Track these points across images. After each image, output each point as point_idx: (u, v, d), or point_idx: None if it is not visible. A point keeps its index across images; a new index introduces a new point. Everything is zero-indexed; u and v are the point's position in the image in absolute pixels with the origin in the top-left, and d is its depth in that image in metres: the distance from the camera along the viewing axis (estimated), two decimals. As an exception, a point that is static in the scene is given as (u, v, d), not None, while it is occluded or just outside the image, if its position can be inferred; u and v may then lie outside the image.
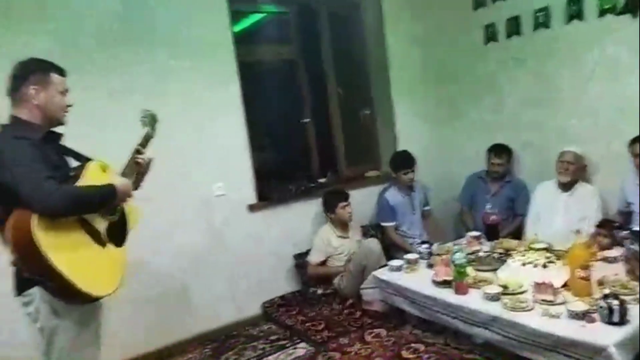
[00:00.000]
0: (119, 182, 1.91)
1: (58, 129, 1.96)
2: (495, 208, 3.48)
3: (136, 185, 2.16)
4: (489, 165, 3.83)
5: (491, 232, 3.38)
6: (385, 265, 3.15)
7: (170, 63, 3.12)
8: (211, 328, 3.30)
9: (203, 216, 3.27)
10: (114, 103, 2.92)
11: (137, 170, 2.11)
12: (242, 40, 3.53)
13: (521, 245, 3.08)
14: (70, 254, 1.71)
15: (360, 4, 4.15)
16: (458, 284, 2.60)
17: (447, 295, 2.62)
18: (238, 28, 3.75)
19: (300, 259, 3.56)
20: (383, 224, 3.76)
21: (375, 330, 2.99)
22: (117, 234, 1.97)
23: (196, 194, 3.23)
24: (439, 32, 4.22)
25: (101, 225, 1.89)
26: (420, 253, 3.15)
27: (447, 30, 4.19)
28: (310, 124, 3.98)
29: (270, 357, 2.91)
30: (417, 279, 2.90)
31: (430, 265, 3.01)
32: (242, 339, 3.20)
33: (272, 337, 3.16)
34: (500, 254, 3.04)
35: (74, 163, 2.01)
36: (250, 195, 3.43)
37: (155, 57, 3.07)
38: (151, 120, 2.26)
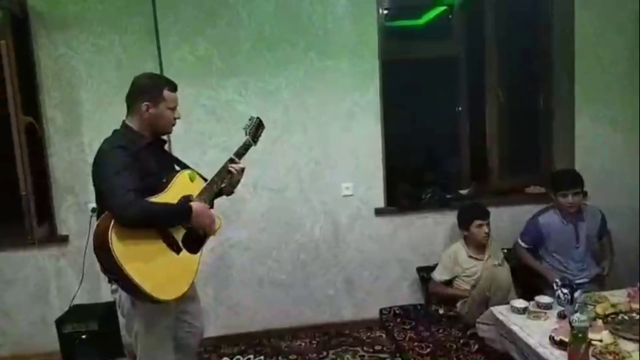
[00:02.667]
0: (197, 206, 2.01)
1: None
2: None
3: (229, 191, 2.30)
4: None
5: (671, 290, 2.57)
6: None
7: (317, 63, 3.20)
8: (327, 321, 3.40)
9: (329, 214, 3.33)
10: (264, 102, 3.16)
11: (228, 178, 2.22)
12: (394, 38, 3.40)
13: None
14: (142, 260, 1.86)
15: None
16: (573, 350, 2.08)
17: (559, 360, 2.13)
18: (396, 24, 3.64)
19: (424, 272, 3.33)
20: (519, 239, 3.20)
21: (483, 372, 2.65)
22: (195, 242, 2.09)
23: (325, 192, 3.31)
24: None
25: (178, 232, 2.02)
26: (558, 298, 2.62)
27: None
28: (459, 124, 3.60)
29: (363, 368, 2.87)
30: (539, 329, 2.41)
31: (563, 316, 2.48)
32: (350, 340, 3.22)
33: (377, 347, 3.10)
34: (667, 323, 2.31)
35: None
36: (378, 198, 3.35)
37: (305, 57, 3.19)
38: (254, 129, 2.34)
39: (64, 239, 3.16)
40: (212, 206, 2.27)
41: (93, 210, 3.11)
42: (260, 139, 2.38)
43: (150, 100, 2.03)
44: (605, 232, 3.22)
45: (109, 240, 1.77)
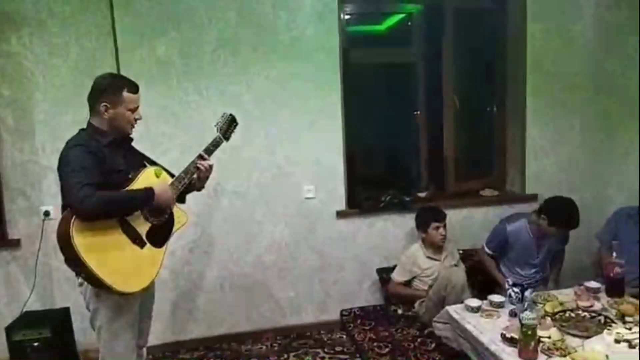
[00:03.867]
0: (158, 188, 2.05)
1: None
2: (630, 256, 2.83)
3: (199, 187, 2.33)
4: (640, 202, 3.10)
5: (613, 287, 2.72)
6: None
7: (280, 67, 3.20)
8: (288, 324, 3.42)
9: (291, 217, 3.35)
10: (226, 105, 3.04)
11: (197, 174, 2.24)
12: (356, 43, 3.48)
13: (643, 313, 2.42)
14: (103, 252, 1.90)
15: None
16: (523, 346, 2.18)
17: (510, 357, 2.22)
18: (357, 29, 3.71)
19: (384, 274, 3.40)
20: (485, 245, 3.26)
21: (439, 370, 2.73)
22: (160, 235, 2.12)
23: (287, 195, 3.32)
24: (603, 34, 3.54)
25: (142, 227, 2.05)
26: (509, 297, 2.72)
27: (615, 33, 3.49)
28: (418, 129, 3.71)
29: (323, 369, 2.90)
30: (491, 327, 2.51)
31: (514, 314, 2.58)
32: (311, 342, 3.25)
33: (337, 349, 3.14)
34: (609, 318, 2.44)
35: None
36: (339, 201, 3.39)
37: (267, 61, 3.18)
38: (226, 125, 2.36)
39: (15, 243, 3.05)
40: (183, 201, 2.33)
41: (46, 213, 3.03)
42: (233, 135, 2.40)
43: (109, 101, 2.04)
44: (564, 241, 3.28)
45: (70, 233, 1.82)
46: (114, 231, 1.96)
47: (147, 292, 2.28)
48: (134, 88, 2.10)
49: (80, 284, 2.08)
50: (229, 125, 2.38)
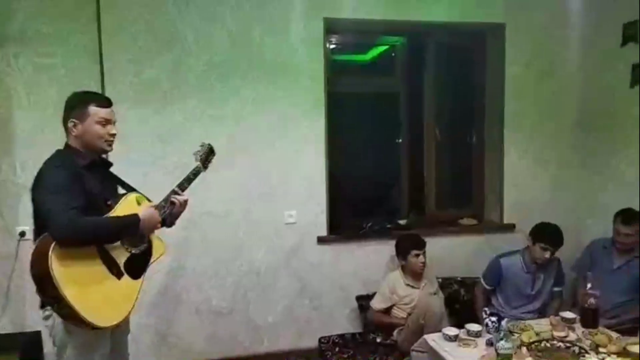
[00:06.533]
0: (144, 212, 1.99)
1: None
2: (614, 287, 3.02)
3: (170, 222, 2.27)
4: (614, 233, 3.17)
5: (587, 318, 2.76)
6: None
7: (266, 93, 3.25)
8: (266, 351, 3.38)
9: (272, 241, 3.35)
10: (211, 128, 3.13)
11: (170, 209, 2.17)
12: (341, 71, 3.57)
13: (616, 343, 2.45)
14: (82, 284, 1.81)
15: (486, 34, 3.78)
16: (499, 376, 2.19)
17: (486, 386, 2.23)
18: (342, 58, 3.79)
19: (363, 301, 3.39)
20: (481, 279, 3.30)
21: (416, 400, 2.70)
22: (138, 266, 2.05)
23: (268, 219, 3.33)
24: (575, 68, 3.67)
25: (121, 256, 1.97)
26: (486, 326, 2.74)
27: (586, 67, 3.61)
28: (400, 157, 3.80)
29: (299, 398, 2.86)
30: (468, 356, 2.52)
31: (490, 343, 2.59)
32: (288, 370, 3.20)
33: (314, 377, 3.10)
34: (583, 349, 2.47)
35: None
36: (321, 227, 3.40)
37: (254, 86, 3.23)
38: (205, 155, 2.38)
39: (-13, 264, 2.99)
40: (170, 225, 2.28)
41: (21, 234, 2.97)
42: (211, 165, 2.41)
43: (76, 117, 2.00)
44: (561, 282, 3.28)
45: (49, 263, 1.72)
46: (93, 261, 1.88)
47: (121, 326, 2.16)
48: (102, 102, 2.05)
49: (46, 317, 1.96)
50: (208, 155, 2.40)
